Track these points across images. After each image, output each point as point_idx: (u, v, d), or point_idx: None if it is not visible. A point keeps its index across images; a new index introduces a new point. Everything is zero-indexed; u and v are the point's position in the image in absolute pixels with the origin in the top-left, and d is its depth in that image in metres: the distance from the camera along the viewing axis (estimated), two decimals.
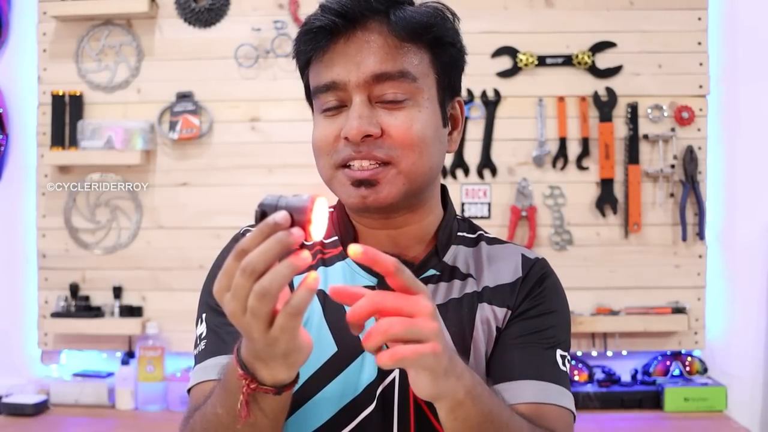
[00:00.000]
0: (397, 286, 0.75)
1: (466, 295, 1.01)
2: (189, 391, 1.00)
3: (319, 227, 0.75)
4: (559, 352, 1.00)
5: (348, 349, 0.97)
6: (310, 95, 1.02)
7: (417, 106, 0.95)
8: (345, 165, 0.95)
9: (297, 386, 0.95)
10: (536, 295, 1.02)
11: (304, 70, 1.01)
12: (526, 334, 0.99)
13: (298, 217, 0.73)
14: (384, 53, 0.94)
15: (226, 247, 1.06)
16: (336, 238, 1.04)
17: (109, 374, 2.49)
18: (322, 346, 0.97)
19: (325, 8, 0.95)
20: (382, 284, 0.98)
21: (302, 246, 0.73)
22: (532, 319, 1.00)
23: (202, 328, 1.01)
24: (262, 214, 0.74)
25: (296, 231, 0.71)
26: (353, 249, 0.73)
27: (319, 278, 0.73)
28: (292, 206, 0.73)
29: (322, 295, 1.00)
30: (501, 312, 1.01)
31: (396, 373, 0.97)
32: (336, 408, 0.97)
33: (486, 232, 1.10)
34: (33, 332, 2.54)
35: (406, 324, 0.72)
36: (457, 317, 0.99)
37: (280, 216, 0.71)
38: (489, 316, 1.00)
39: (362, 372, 0.97)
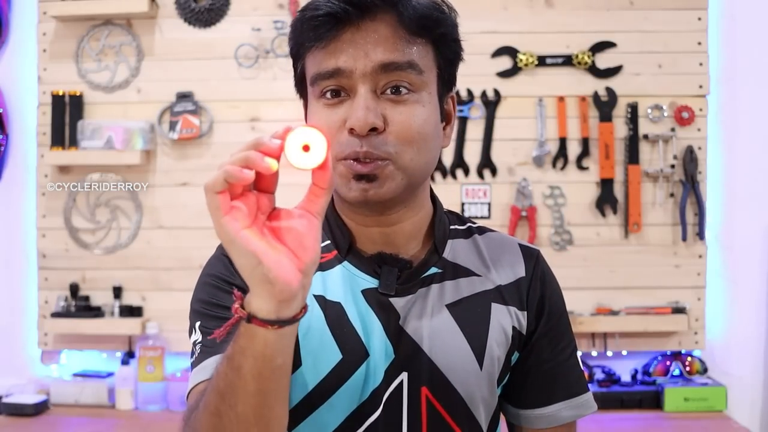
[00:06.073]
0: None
1: (477, 294, 1.01)
2: (188, 396, 0.95)
3: (301, 154, 0.79)
4: (576, 351, 1.08)
5: (352, 355, 0.95)
6: (301, 82, 0.99)
7: (420, 102, 0.94)
8: (346, 158, 0.93)
9: (304, 394, 0.95)
10: (546, 301, 1.05)
11: (300, 56, 0.98)
12: (551, 350, 1.05)
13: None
14: (393, 43, 0.91)
15: (212, 258, 1.03)
16: (329, 242, 1.02)
17: (109, 374, 2.49)
18: (327, 353, 0.95)
19: None
20: (383, 285, 0.98)
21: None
22: (550, 334, 1.04)
23: (197, 336, 0.98)
24: None
25: (274, 139, 0.77)
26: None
27: (275, 164, 0.78)
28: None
29: (323, 302, 0.98)
30: (513, 311, 1.02)
31: (404, 378, 0.96)
32: (343, 415, 0.95)
33: (473, 222, 1.10)
34: (33, 332, 2.54)
35: None
36: (472, 317, 0.99)
37: (264, 136, 0.77)
38: (502, 317, 1.01)
39: (368, 378, 0.95)
